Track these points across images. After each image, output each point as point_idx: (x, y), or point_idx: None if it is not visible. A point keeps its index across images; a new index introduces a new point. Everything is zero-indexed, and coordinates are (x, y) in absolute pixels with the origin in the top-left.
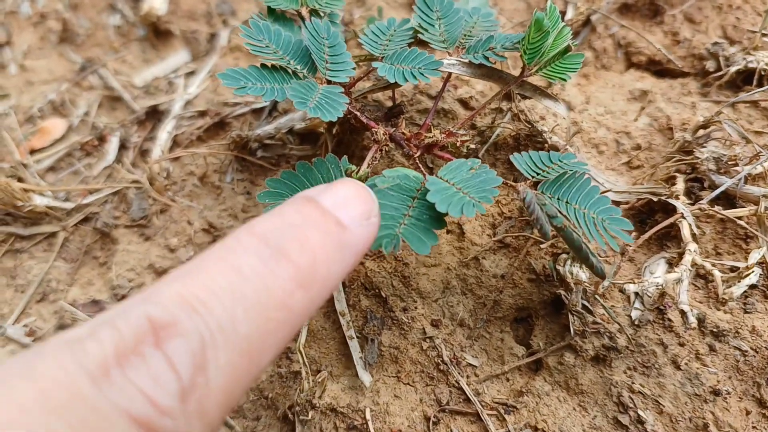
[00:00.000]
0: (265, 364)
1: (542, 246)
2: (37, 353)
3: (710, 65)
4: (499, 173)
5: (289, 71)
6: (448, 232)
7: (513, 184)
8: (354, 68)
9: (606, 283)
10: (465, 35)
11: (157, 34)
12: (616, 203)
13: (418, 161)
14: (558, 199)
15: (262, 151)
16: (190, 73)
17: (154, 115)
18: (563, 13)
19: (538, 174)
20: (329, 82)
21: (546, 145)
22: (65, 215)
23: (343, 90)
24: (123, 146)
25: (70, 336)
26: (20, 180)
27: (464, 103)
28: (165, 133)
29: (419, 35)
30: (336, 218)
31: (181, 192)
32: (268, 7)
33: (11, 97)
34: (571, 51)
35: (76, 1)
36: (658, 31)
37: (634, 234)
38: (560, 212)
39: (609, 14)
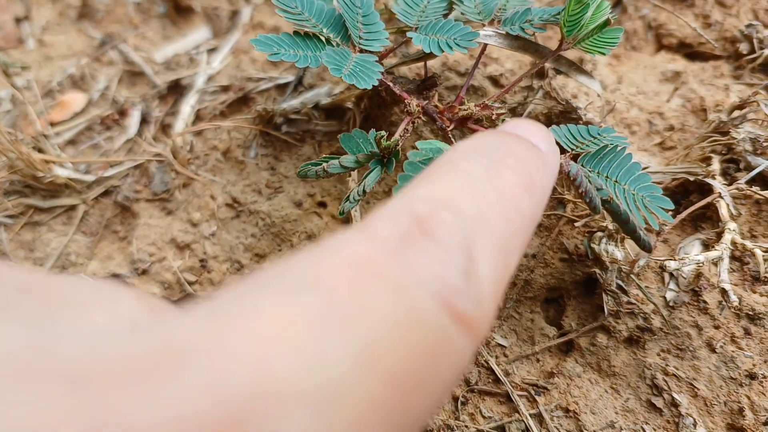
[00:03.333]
0: (513, 266)
1: (576, 225)
2: (326, 244)
3: (743, 47)
4: None
5: (323, 39)
6: None
7: None
8: (387, 38)
9: (643, 261)
10: (500, 8)
11: (178, 10)
12: None
13: (450, 134)
14: (598, 173)
15: (287, 126)
16: (212, 50)
17: (176, 89)
18: None
19: (577, 147)
20: (362, 51)
21: (581, 121)
22: (86, 188)
23: (377, 59)
24: (144, 120)
25: (352, 230)
26: (40, 151)
27: (494, 80)
28: (188, 107)
29: (454, 6)
30: (531, 141)
31: (204, 167)
32: None
33: (30, 71)
34: (610, 25)
35: None
36: (689, 14)
37: (670, 213)
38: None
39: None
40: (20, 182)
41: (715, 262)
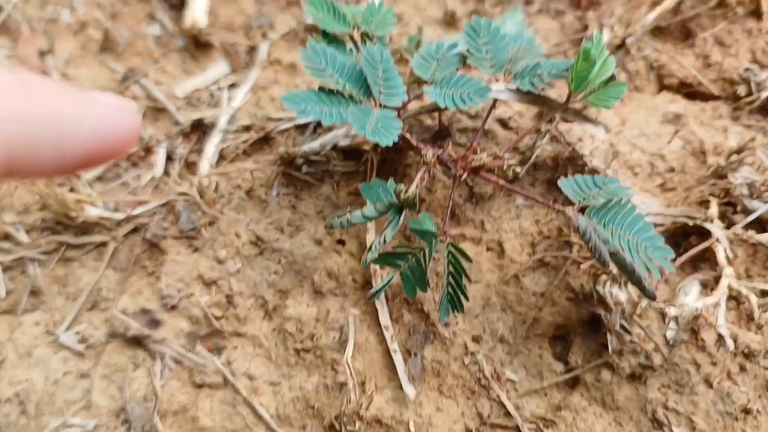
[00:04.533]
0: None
1: (581, 266)
2: None
3: (741, 90)
4: (539, 193)
5: (345, 95)
6: (488, 249)
7: (561, 208)
8: (405, 92)
9: (645, 303)
10: (510, 60)
11: (197, 45)
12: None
13: (461, 181)
14: (604, 225)
15: (307, 166)
16: (232, 85)
17: (199, 127)
18: None
19: (584, 199)
20: (382, 106)
21: (586, 167)
22: (115, 225)
23: (396, 114)
24: (169, 158)
25: None
26: (72, 190)
27: (503, 123)
28: (212, 146)
29: (467, 60)
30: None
31: (229, 205)
32: (323, 31)
33: None
34: (615, 80)
35: (116, 10)
36: (689, 54)
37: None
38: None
39: (642, 40)
40: (52, 220)
41: (714, 307)
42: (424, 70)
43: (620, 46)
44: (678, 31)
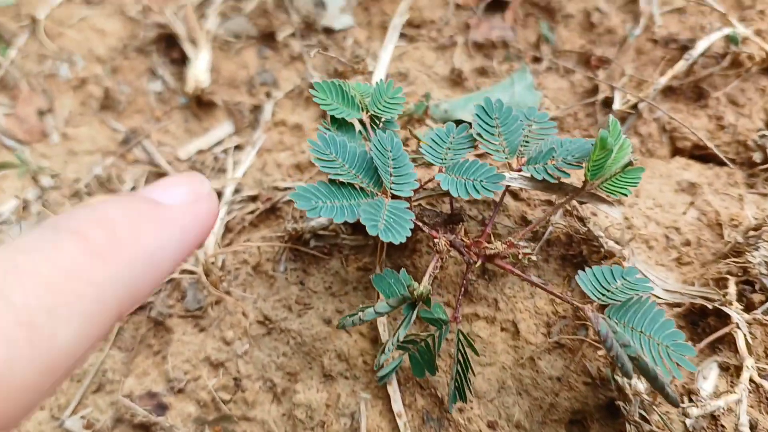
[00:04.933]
0: (107, 323)
1: (599, 352)
2: None
3: (757, 156)
4: (552, 270)
5: (357, 187)
6: (502, 329)
7: (580, 305)
8: (417, 180)
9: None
10: (524, 143)
11: (200, 104)
12: (669, 305)
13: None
14: (624, 324)
15: (315, 240)
16: (237, 147)
17: None
18: (610, 102)
19: (604, 296)
20: (394, 196)
21: (602, 250)
22: None
23: (408, 205)
24: None
25: None
26: None
27: (514, 194)
28: (217, 220)
29: (479, 145)
30: (149, 199)
31: (235, 281)
32: (332, 117)
33: (56, 169)
34: (632, 165)
35: (116, 65)
36: (702, 115)
37: (689, 341)
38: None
39: (654, 101)
40: None
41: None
42: (435, 156)
43: (633, 107)
44: (690, 91)
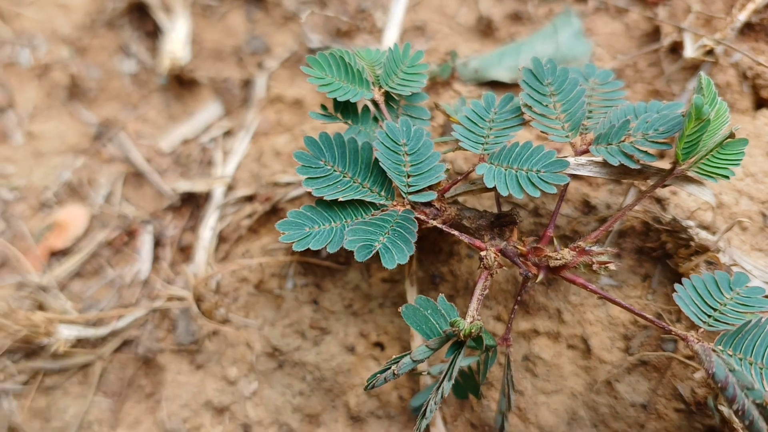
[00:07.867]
0: None
1: (695, 374)
2: None
3: None
4: (627, 267)
5: (362, 200)
6: (569, 347)
7: (682, 335)
8: (447, 170)
9: None
10: (588, 116)
11: (181, 83)
12: None
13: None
14: (740, 357)
15: None
16: (227, 133)
17: (191, 200)
18: (678, 47)
19: (710, 316)
20: (413, 204)
21: (692, 243)
22: (100, 341)
23: (413, 215)
24: (158, 242)
25: None
26: (41, 307)
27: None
28: (208, 231)
29: (531, 122)
30: None
31: (235, 304)
32: (334, 100)
33: (21, 175)
34: (734, 138)
35: (84, 45)
36: None
37: None
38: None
39: (732, 43)
40: (23, 348)
41: None
42: (474, 140)
43: (707, 54)
44: None
